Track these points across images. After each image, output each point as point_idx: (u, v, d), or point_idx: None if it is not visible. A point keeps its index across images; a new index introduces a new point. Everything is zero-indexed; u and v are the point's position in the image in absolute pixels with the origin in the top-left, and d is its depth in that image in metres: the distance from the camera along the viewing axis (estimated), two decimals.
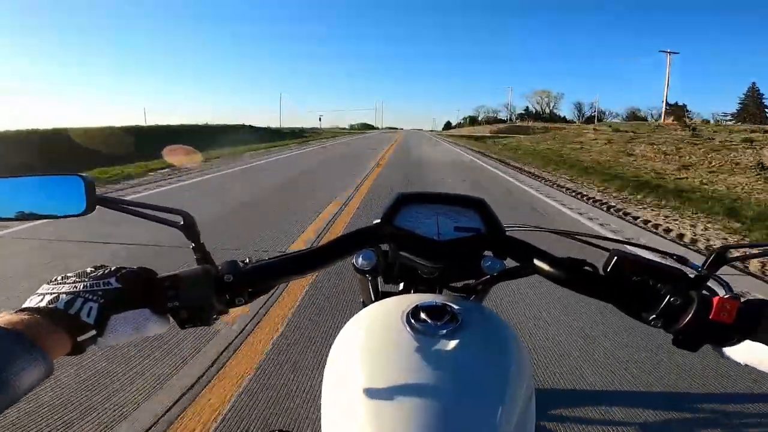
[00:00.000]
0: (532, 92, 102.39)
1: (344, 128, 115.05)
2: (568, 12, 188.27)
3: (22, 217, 0.45)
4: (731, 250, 0.45)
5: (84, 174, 0.44)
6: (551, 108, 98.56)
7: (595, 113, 76.58)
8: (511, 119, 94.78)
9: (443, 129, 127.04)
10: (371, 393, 0.39)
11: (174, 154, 10.15)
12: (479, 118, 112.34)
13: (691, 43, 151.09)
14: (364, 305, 0.63)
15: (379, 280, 0.66)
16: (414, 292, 0.61)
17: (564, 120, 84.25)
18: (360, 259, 0.56)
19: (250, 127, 40.63)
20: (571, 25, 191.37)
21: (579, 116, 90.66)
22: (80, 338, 0.37)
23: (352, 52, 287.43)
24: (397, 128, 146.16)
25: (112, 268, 0.43)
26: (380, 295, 0.65)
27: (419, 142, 23.95)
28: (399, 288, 0.66)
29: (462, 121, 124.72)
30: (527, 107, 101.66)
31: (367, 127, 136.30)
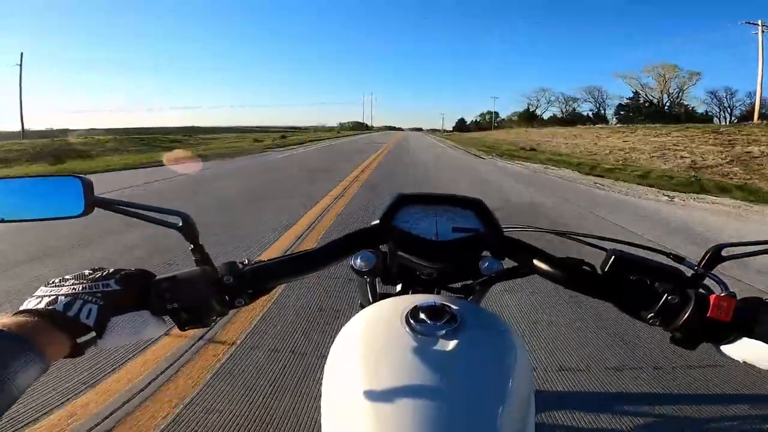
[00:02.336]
0: (644, 68, 55.82)
1: (333, 127, 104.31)
2: None
3: (19, 218, 0.44)
4: (727, 248, 0.46)
5: (82, 175, 0.44)
6: (675, 98, 51.92)
7: None
8: (600, 114, 54.65)
9: (454, 130, 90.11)
10: (371, 394, 0.39)
11: None
12: (537, 113, 67.80)
13: None
14: (362, 307, 0.63)
15: (377, 281, 0.66)
16: (412, 293, 0.61)
17: (705, 118, 44.47)
18: (358, 261, 0.55)
19: None
20: None
21: (720, 111, 48.66)
22: (80, 340, 0.37)
23: (344, 41, 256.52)
24: (395, 127, 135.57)
25: (111, 270, 0.43)
26: (378, 297, 0.65)
27: None
28: (397, 289, 0.66)
29: (479, 119, 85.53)
30: (635, 92, 54.45)
31: (360, 126, 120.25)
